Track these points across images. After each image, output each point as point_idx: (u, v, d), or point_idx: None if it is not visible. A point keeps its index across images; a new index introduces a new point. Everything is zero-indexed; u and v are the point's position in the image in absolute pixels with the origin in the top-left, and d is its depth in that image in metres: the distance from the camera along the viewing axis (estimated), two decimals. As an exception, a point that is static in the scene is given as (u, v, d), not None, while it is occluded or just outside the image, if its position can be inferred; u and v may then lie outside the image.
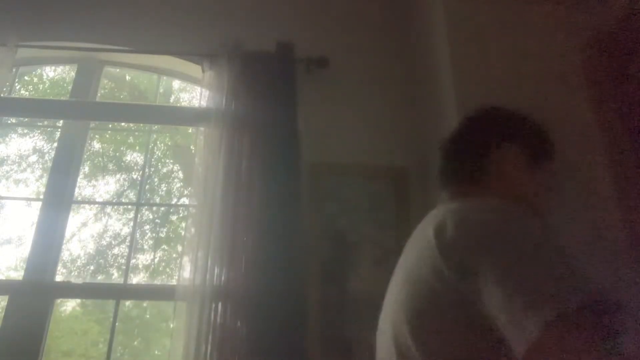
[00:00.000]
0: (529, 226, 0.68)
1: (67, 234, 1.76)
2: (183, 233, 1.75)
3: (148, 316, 3.18)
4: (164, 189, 3.34)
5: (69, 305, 2.98)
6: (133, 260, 2.79)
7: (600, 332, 0.55)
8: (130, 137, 3.25)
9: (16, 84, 2.33)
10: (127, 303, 2.85)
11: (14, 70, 1.96)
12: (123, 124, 2.76)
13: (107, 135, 3.21)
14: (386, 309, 0.86)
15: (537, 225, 0.68)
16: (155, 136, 2.88)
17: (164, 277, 3.08)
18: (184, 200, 3.13)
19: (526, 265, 0.62)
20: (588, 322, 0.55)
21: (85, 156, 2.04)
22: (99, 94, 2.05)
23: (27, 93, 2.95)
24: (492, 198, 0.82)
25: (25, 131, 3.01)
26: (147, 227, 3.05)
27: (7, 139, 2.74)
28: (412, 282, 0.76)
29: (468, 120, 1.01)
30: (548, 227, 0.69)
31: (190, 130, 2.45)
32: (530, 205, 0.88)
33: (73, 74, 2.02)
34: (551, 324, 0.55)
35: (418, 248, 0.79)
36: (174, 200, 3.30)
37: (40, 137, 3.02)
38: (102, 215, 2.98)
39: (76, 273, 2.86)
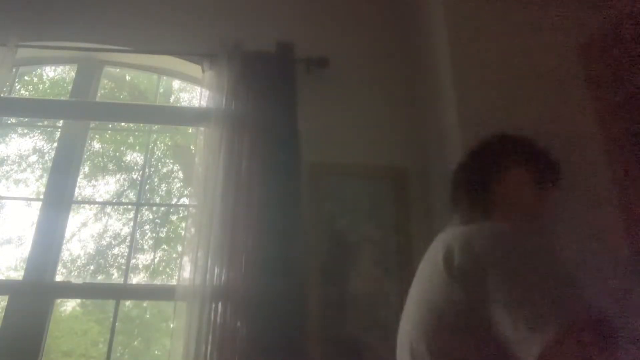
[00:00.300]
0: (531, 248, 0.71)
1: (67, 234, 1.76)
2: (183, 233, 1.75)
3: (148, 316, 3.18)
4: (164, 189, 3.34)
5: (69, 305, 2.98)
6: (133, 260, 2.79)
7: (601, 350, 0.58)
8: (130, 137, 3.25)
9: (16, 84, 2.33)
10: (127, 303, 2.85)
11: (14, 70, 1.96)
12: (123, 124, 2.76)
13: (107, 135, 3.21)
14: (403, 327, 0.89)
15: (540, 247, 0.71)
16: (155, 136, 2.88)
17: (164, 277, 3.08)
18: (184, 200, 3.14)
19: (528, 286, 0.65)
20: (589, 341, 0.59)
21: (85, 156, 2.04)
22: (99, 94, 2.05)
23: (27, 93, 2.95)
24: (498, 221, 0.86)
25: (25, 131, 3.01)
26: (147, 227, 3.05)
27: (7, 139, 2.75)
28: (427, 305, 0.80)
29: (477, 146, 1.05)
30: (552, 249, 0.72)
31: (190, 130, 2.45)
32: (537, 226, 0.92)
33: (73, 74, 2.02)
34: (553, 344, 0.58)
35: (430, 272, 0.83)
36: (174, 200, 3.31)
37: (40, 137, 3.02)
38: (102, 215, 2.98)
39: (76, 273, 2.86)
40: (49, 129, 2.77)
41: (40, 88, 3.12)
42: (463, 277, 0.72)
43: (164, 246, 3.11)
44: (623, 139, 1.30)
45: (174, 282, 1.79)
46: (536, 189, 0.96)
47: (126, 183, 3.19)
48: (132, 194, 3.04)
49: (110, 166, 3.18)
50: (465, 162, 1.04)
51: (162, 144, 3.21)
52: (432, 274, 0.80)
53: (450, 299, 0.73)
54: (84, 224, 2.90)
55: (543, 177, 0.97)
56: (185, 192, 3.11)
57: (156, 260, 3.10)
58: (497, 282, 0.67)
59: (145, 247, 3.05)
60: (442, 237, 0.88)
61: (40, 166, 2.99)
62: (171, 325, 1.40)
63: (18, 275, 2.11)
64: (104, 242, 2.96)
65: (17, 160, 2.94)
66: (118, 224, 3.03)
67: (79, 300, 2.88)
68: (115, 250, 2.99)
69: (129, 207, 2.98)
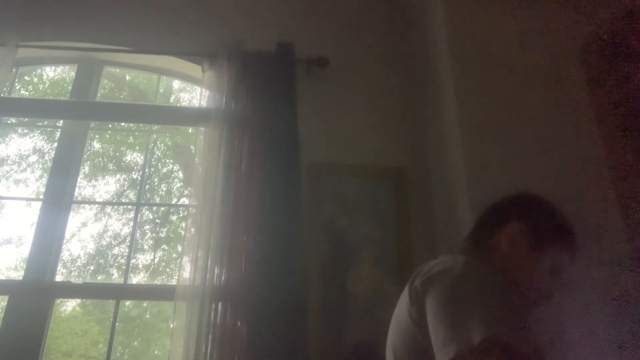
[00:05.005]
0: (467, 281, 0.79)
1: (67, 234, 1.76)
2: (183, 233, 1.75)
3: (148, 316, 3.17)
4: (164, 189, 3.34)
5: (69, 305, 2.98)
6: (133, 260, 2.79)
7: None
8: (130, 137, 3.25)
9: (16, 84, 2.33)
10: (127, 303, 2.84)
11: (14, 70, 1.96)
12: (123, 124, 2.76)
13: (107, 135, 3.20)
14: (388, 339, 0.97)
15: (478, 282, 0.79)
16: (155, 136, 2.88)
17: (164, 277, 3.08)
18: (184, 200, 3.14)
19: (450, 312, 0.76)
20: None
21: (85, 156, 2.04)
22: (99, 94, 2.05)
23: (27, 93, 2.94)
24: (465, 257, 0.89)
25: (25, 131, 3.01)
26: (147, 227, 3.05)
27: (7, 139, 2.75)
28: (397, 321, 0.92)
29: (496, 200, 1.10)
30: (498, 286, 0.79)
31: (190, 130, 2.45)
32: (516, 281, 0.94)
33: (73, 74, 2.02)
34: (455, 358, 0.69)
35: (403, 293, 0.92)
36: (174, 200, 3.30)
37: (40, 137, 3.02)
38: (102, 215, 2.98)
39: (76, 273, 2.85)
40: (49, 129, 2.77)
41: (40, 88, 3.12)
42: (415, 299, 0.83)
43: (164, 246, 3.11)
44: (624, 135, 1.29)
45: (174, 282, 1.80)
46: (530, 243, 0.98)
47: (126, 183, 3.19)
48: (132, 194, 3.03)
49: (110, 166, 3.18)
50: (486, 208, 1.10)
51: (162, 144, 3.20)
52: (404, 294, 0.90)
53: (410, 317, 0.83)
54: (84, 224, 2.90)
55: (546, 238, 0.99)
56: (185, 192, 3.11)
57: (156, 260, 3.10)
58: (432, 306, 0.79)
59: (145, 247, 3.04)
60: None
61: (40, 166, 2.98)
62: (171, 325, 1.40)
63: (18, 275, 2.11)
64: (104, 242, 2.96)
65: (17, 160, 2.94)
66: (118, 224, 3.03)
67: (79, 300, 2.87)
68: (115, 250, 2.99)
69: (129, 207, 2.98)
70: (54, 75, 3.09)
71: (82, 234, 2.94)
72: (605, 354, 1.12)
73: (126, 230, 2.94)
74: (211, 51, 1.74)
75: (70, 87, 1.98)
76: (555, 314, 1.12)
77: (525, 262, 0.97)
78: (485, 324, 0.70)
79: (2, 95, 1.80)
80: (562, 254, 1.00)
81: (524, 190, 1.08)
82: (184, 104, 3.05)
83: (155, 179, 3.22)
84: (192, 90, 2.78)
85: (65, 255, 2.73)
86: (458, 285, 0.79)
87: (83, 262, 2.92)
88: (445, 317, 0.75)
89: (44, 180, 2.35)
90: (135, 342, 3.14)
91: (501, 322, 0.71)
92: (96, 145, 3.15)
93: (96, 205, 3.00)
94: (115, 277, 2.98)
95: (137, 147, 3.21)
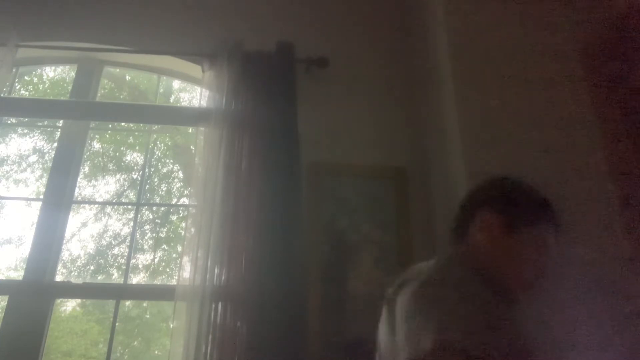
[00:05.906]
0: (430, 287, 0.80)
1: (67, 234, 1.76)
2: (183, 233, 1.75)
3: (148, 316, 3.18)
4: (164, 189, 3.34)
5: (69, 305, 2.98)
6: (133, 260, 2.79)
7: None
8: (130, 137, 3.25)
9: (16, 84, 2.33)
10: (127, 303, 2.85)
11: (14, 70, 1.96)
12: (123, 124, 2.76)
13: (107, 135, 3.21)
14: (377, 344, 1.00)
15: (443, 288, 0.79)
16: (155, 136, 2.88)
17: (164, 277, 3.08)
18: (184, 200, 3.14)
19: (410, 318, 0.77)
20: None
21: (85, 156, 2.04)
22: (99, 94, 2.05)
23: (27, 93, 2.94)
24: (436, 261, 0.90)
25: (25, 131, 3.01)
26: (147, 227, 3.05)
27: (7, 139, 2.75)
28: (381, 326, 0.94)
29: (471, 189, 1.08)
30: (472, 293, 0.78)
31: (190, 130, 2.45)
32: (491, 271, 0.90)
33: (73, 74, 2.02)
34: None
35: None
36: (174, 200, 3.31)
37: (40, 137, 3.03)
38: (102, 215, 2.98)
39: (76, 273, 2.86)
40: (49, 129, 2.77)
41: (40, 88, 3.12)
42: (390, 306, 0.86)
43: (164, 246, 3.11)
44: (624, 131, 1.29)
45: (174, 282, 1.79)
46: (505, 229, 0.92)
47: (126, 183, 3.19)
48: (132, 194, 3.03)
49: (110, 166, 3.18)
50: (462, 201, 1.07)
51: (162, 144, 3.21)
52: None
53: (390, 326, 0.85)
54: (84, 224, 2.90)
55: (514, 217, 0.93)
56: (185, 192, 3.12)
57: (156, 260, 3.10)
58: (400, 309, 0.81)
59: (145, 247, 3.05)
60: None
61: (40, 166, 2.99)
62: (171, 325, 1.40)
63: (18, 275, 2.11)
64: (104, 242, 2.96)
65: (17, 160, 2.94)
66: (118, 224, 3.03)
67: (79, 300, 2.88)
68: (115, 250, 3.00)
69: (129, 207, 2.99)
70: (54, 75, 3.10)
71: (82, 234, 2.95)
72: (602, 353, 1.12)
73: (126, 230, 2.95)
74: (211, 51, 1.74)
75: (70, 87, 1.98)
76: (551, 315, 1.13)
77: (503, 250, 0.91)
78: (440, 329, 0.68)
79: (2, 95, 1.80)
80: (545, 234, 0.92)
81: (493, 175, 1.02)
82: (184, 104, 3.05)
83: (155, 179, 3.22)
84: (192, 90, 2.78)
85: (65, 255, 2.73)
86: (420, 292, 0.79)
87: (83, 262, 2.92)
88: (404, 322, 0.76)
89: (44, 180, 2.35)
90: (135, 342, 3.14)
91: (458, 327, 0.69)
92: (96, 145, 3.16)
93: (96, 205, 3.00)
94: (115, 277, 2.98)
95: (137, 147, 3.21)
